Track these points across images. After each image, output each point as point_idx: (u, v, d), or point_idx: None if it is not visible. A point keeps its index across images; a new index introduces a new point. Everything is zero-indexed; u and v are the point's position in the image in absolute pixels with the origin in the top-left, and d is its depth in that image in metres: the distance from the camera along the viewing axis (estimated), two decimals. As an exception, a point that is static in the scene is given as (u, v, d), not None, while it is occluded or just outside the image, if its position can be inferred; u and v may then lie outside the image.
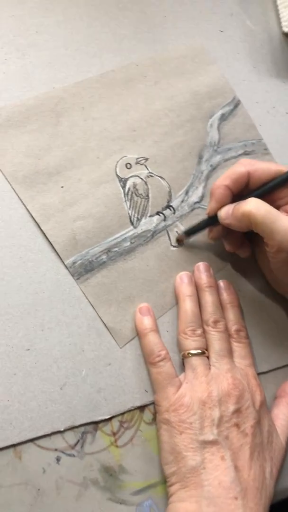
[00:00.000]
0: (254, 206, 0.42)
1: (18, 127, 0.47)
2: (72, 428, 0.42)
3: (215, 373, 0.43)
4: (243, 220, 0.43)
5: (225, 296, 0.49)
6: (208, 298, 0.47)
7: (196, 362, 0.44)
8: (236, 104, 0.57)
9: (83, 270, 0.45)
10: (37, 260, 0.44)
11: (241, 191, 0.46)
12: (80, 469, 0.41)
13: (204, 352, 0.44)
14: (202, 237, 0.50)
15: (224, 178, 0.46)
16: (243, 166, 0.45)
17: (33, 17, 0.52)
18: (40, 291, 0.44)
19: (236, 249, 0.49)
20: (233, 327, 0.47)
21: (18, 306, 0.43)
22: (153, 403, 0.45)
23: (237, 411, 0.42)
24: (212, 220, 0.47)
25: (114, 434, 0.43)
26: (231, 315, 0.48)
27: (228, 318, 0.47)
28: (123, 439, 0.43)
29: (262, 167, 0.45)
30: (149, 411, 0.44)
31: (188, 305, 0.46)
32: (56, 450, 0.41)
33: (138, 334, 0.46)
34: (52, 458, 0.41)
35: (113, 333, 0.45)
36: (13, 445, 0.40)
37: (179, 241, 0.50)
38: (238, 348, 0.46)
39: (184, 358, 0.45)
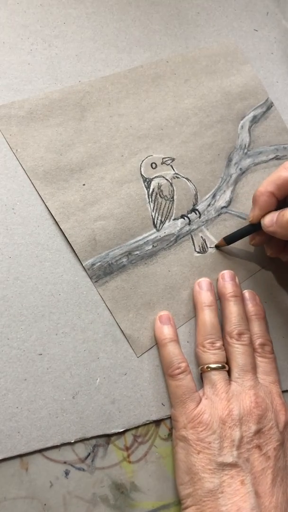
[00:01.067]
0: None
1: (41, 120, 0.45)
2: (83, 440, 0.40)
3: (237, 390, 0.41)
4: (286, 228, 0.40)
5: (250, 307, 0.46)
6: (233, 309, 0.44)
7: (215, 377, 0.41)
8: (269, 106, 0.55)
9: (102, 273, 0.43)
10: (54, 260, 0.42)
11: (286, 197, 0.43)
12: (90, 485, 0.39)
13: (224, 367, 0.42)
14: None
15: (268, 184, 0.43)
16: None
17: (61, 8, 0.50)
18: (56, 293, 0.41)
19: (279, 254, 0.47)
20: (257, 341, 0.44)
21: (32, 308, 0.41)
22: (169, 417, 0.42)
23: (259, 431, 0.39)
24: (254, 228, 0.45)
25: (127, 448, 0.41)
26: (256, 327, 0.45)
27: (252, 331, 0.45)
28: (137, 454, 0.41)
29: None
30: (165, 426, 0.42)
31: (206, 315, 0.44)
32: (65, 463, 0.39)
33: (157, 344, 0.43)
34: (60, 471, 0.38)
35: (130, 341, 0.43)
36: (20, 456, 0.38)
37: (218, 247, 0.47)
38: (263, 364, 0.44)
39: (202, 373, 0.42)
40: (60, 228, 0.43)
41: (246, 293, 0.46)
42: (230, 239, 0.47)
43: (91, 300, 0.42)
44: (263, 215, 0.43)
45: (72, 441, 0.39)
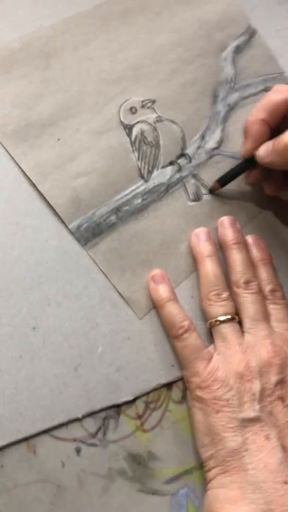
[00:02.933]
0: None
1: (2, 74, 0.41)
2: (91, 414, 0.37)
3: (251, 341, 0.38)
4: (287, 153, 0.36)
5: (255, 252, 0.42)
6: (236, 256, 0.40)
7: (226, 329, 0.38)
8: (252, 33, 0.50)
9: (90, 235, 0.39)
10: (36, 226, 0.39)
11: (280, 124, 0.39)
12: (104, 460, 0.36)
13: (234, 318, 0.39)
14: (225, 186, 0.44)
15: (259, 111, 0.39)
16: (280, 93, 0.38)
17: None
18: (43, 261, 0.38)
19: (278, 191, 0.43)
20: (267, 287, 0.41)
21: (19, 280, 0.37)
22: (181, 379, 0.39)
23: (281, 382, 0.36)
24: (249, 163, 0.41)
25: (139, 417, 0.38)
26: (264, 273, 0.42)
27: (260, 277, 0.41)
28: (151, 422, 0.38)
29: None
30: (178, 388, 0.39)
31: (208, 266, 0.40)
32: (75, 440, 0.36)
33: (155, 306, 0.40)
34: (71, 449, 0.36)
35: (130, 303, 0.39)
36: (26, 438, 0.35)
37: (212, 191, 0.43)
38: (275, 311, 0.40)
39: (211, 327, 0.39)
40: (39, 190, 0.39)
41: (249, 238, 0.43)
42: (223, 180, 0.43)
43: (82, 265, 0.39)
44: (257, 147, 0.39)
45: (80, 417, 0.36)
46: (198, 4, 0.49)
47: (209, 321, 0.39)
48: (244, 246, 0.42)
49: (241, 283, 0.39)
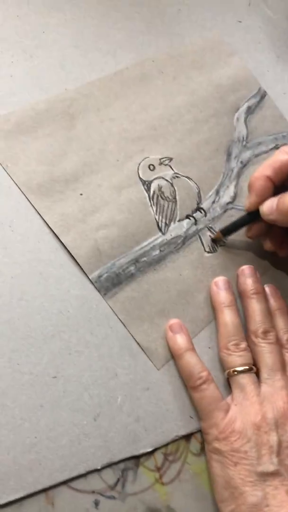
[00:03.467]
0: None
1: (29, 132, 0.43)
2: (110, 465, 0.37)
3: (268, 391, 0.38)
4: None
5: (272, 302, 0.43)
6: (256, 306, 0.41)
7: (244, 380, 0.38)
8: (262, 95, 0.53)
9: (110, 284, 0.40)
10: (58, 276, 0.40)
11: (284, 182, 0.41)
12: (123, 514, 0.36)
13: (252, 368, 0.39)
14: (239, 237, 0.45)
15: (265, 168, 0.41)
16: (286, 154, 0.40)
17: (39, 17, 0.48)
18: (64, 310, 0.39)
19: (277, 248, 0.44)
20: (285, 336, 0.42)
21: (41, 328, 0.38)
22: (200, 431, 0.39)
23: None
24: (252, 217, 0.43)
25: (158, 469, 0.38)
26: (282, 322, 0.42)
27: (278, 327, 0.42)
28: (169, 474, 0.38)
29: None
30: (196, 440, 0.39)
31: (227, 316, 0.41)
32: (93, 492, 0.36)
33: (173, 356, 0.40)
34: (89, 502, 0.35)
35: (148, 354, 0.40)
36: (44, 490, 0.35)
37: (216, 242, 0.45)
38: None
39: (229, 377, 0.39)
40: (62, 242, 0.40)
41: (267, 288, 0.44)
42: (226, 231, 0.44)
43: (102, 314, 0.40)
44: (260, 202, 0.41)
45: (99, 468, 0.36)
46: (212, 69, 0.52)
47: (227, 371, 0.39)
48: (263, 296, 0.42)
49: (260, 333, 0.40)
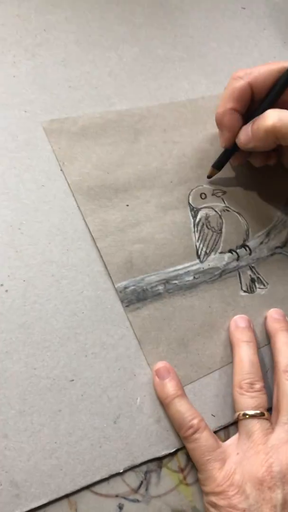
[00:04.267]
0: (275, 118, 0.37)
1: (93, 138, 0.44)
2: (132, 468, 0.36)
3: (280, 439, 0.34)
4: (268, 138, 0.38)
5: None
6: (285, 340, 0.39)
7: (253, 426, 0.35)
8: None
9: (134, 298, 0.40)
10: (71, 277, 0.39)
11: (249, 108, 0.41)
12: (148, 517, 0.35)
13: (264, 414, 0.36)
14: (280, 284, 0.44)
15: (226, 101, 0.40)
16: (241, 79, 0.39)
17: (39, 15, 0.47)
18: (78, 312, 0.38)
19: (265, 162, 0.44)
20: None
21: (56, 331, 0.37)
22: (222, 428, 0.38)
23: None
24: (233, 149, 0.43)
25: (182, 470, 0.37)
26: None
27: None
28: (193, 475, 0.37)
29: (262, 71, 0.39)
30: (219, 437, 0.38)
31: (244, 351, 0.38)
32: (117, 496, 0.35)
33: (161, 403, 0.37)
34: (113, 506, 0.35)
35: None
36: (67, 495, 0.34)
37: (210, 177, 0.45)
38: None
39: (238, 420, 0.36)
40: (97, 246, 0.40)
41: None
42: (218, 164, 0.44)
43: (117, 314, 0.39)
44: (235, 135, 0.41)
45: (121, 471, 0.35)
46: None
47: (237, 413, 0.37)
48: None
49: None
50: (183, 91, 0.49)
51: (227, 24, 0.54)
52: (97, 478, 0.35)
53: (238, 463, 0.34)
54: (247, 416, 0.36)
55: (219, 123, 0.41)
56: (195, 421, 0.35)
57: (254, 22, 0.56)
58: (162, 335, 0.39)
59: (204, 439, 0.35)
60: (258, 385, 0.37)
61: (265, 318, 0.42)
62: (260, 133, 0.37)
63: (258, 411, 0.36)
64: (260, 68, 0.39)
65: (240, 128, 0.40)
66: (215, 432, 0.38)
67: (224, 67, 0.51)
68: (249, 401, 0.36)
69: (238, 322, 0.41)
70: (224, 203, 0.45)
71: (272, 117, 0.37)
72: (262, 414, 0.36)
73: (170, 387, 0.37)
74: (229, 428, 0.39)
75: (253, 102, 0.40)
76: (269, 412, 0.37)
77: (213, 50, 0.52)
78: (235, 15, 0.55)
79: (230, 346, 0.41)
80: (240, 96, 0.39)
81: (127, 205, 0.42)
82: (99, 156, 0.43)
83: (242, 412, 0.36)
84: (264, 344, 0.42)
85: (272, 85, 0.39)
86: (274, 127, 0.37)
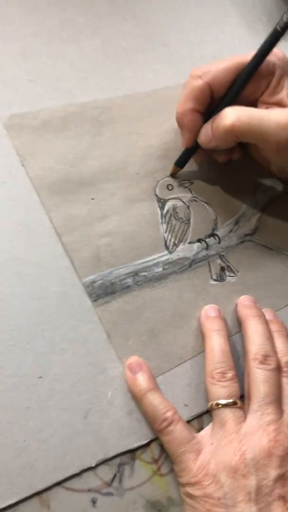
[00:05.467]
0: (233, 118, 0.37)
1: (55, 132, 0.43)
2: (105, 461, 0.36)
3: (252, 426, 0.34)
4: (228, 137, 0.38)
5: (271, 325, 0.41)
6: (257, 327, 0.39)
7: (226, 415, 0.35)
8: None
9: (102, 292, 0.39)
10: (36, 274, 0.38)
11: (209, 105, 0.41)
12: (122, 509, 0.35)
13: (236, 402, 0.35)
14: (251, 270, 0.44)
15: (186, 102, 0.40)
16: (199, 79, 0.39)
17: (-4, 9, 0.46)
18: (45, 308, 0.38)
19: (229, 157, 0.44)
20: (283, 358, 0.38)
21: (22, 329, 0.37)
22: (196, 417, 0.38)
23: (282, 477, 0.33)
24: (195, 148, 0.43)
25: (156, 461, 0.37)
26: (281, 344, 0.39)
27: (277, 349, 0.39)
28: (168, 465, 0.37)
29: (220, 69, 0.39)
30: (192, 427, 0.38)
31: (215, 341, 0.38)
32: (90, 490, 0.35)
33: (134, 397, 0.37)
34: (86, 501, 0.34)
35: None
36: (38, 493, 0.34)
37: (173, 175, 0.45)
38: None
39: (211, 410, 0.36)
40: (61, 241, 0.39)
41: (266, 313, 0.42)
42: (180, 163, 0.44)
43: (85, 309, 0.39)
44: (196, 135, 0.41)
45: (93, 465, 0.35)
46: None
47: (209, 403, 0.36)
48: (265, 320, 0.40)
49: (259, 355, 0.37)
50: (148, 81, 0.48)
51: (190, 12, 0.54)
52: (69, 473, 0.34)
53: (213, 453, 0.34)
54: (220, 406, 0.36)
55: (180, 124, 0.41)
56: (168, 414, 0.35)
57: (218, 9, 0.55)
58: (132, 328, 0.39)
59: (178, 431, 0.35)
60: (229, 374, 0.37)
61: (236, 305, 0.42)
62: (220, 132, 0.38)
63: (231, 400, 0.36)
64: (217, 65, 0.39)
65: (201, 127, 0.40)
66: (189, 421, 0.38)
67: (188, 55, 0.51)
68: (221, 391, 0.36)
69: (208, 312, 0.40)
70: (192, 193, 0.45)
71: (230, 116, 0.37)
72: (234, 403, 0.36)
73: (142, 380, 0.37)
74: (203, 417, 0.39)
75: (212, 100, 0.40)
76: (242, 400, 0.37)
77: (176, 39, 0.52)
78: (198, 2, 0.55)
79: (201, 335, 0.40)
80: (199, 96, 0.39)
81: (93, 199, 0.42)
82: (62, 150, 0.42)
83: (214, 402, 0.36)
84: (236, 331, 0.42)
85: (231, 83, 0.39)
86: (233, 126, 0.37)
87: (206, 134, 0.39)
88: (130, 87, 0.47)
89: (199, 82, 0.39)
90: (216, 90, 0.39)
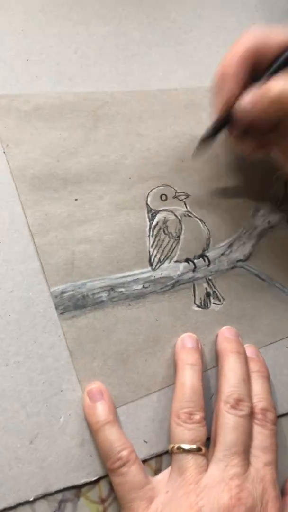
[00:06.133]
0: (282, 86, 0.31)
1: (46, 120, 0.39)
2: (45, 496, 0.32)
3: (214, 478, 0.31)
4: (271, 108, 0.31)
5: (251, 364, 0.37)
6: (234, 365, 0.35)
7: (187, 462, 0.31)
8: None
9: (71, 305, 0.35)
10: (0, 273, 0.34)
11: (256, 71, 0.34)
12: None
13: (201, 449, 0.32)
14: (236, 299, 0.40)
15: (239, 50, 0.33)
16: (253, 37, 0.33)
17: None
18: (4, 314, 0.34)
19: (255, 151, 0.37)
20: (259, 404, 0.35)
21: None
22: (153, 457, 0.34)
23: None
24: (225, 122, 0.36)
25: (103, 501, 0.33)
26: (259, 387, 0.36)
27: (253, 391, 0.35)
28: (116, 507, 0.33)
29: (280, 33, 0.33)
30: (150, 467, 0.34)
31: (187, 376, 0.34)
32: (22, 528, 0.31)
33: (89, 426, 0.33)
34: (17, 539, 0.31)
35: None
36: None
37: (195, 156, 0.39)
38: (261, 436, 0.33)
39: (172, 454, 0.32)
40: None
41: (248, 349, 0.38)
42: (207, 136, 0.37)
43: (50, 320, 0.35)
44: (238, 95, 0.33)
45: (31, 499, 0.31)
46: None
47: (171, 445, 0.32)
48: (245, 358, 0.36)
49: (232, 399, 0.33)
50: (156, 79, 0.44)
51: (214, 14, 0.50)
52: (3, 506, 0.30)
53: (166, 503, 0.30)
54: (182, 450, 0.32)
55: (221, 78, 0.34)
56: (124, 453, 0.32)
57: (244, 14, 0.51)
58: (99, 348, 0.35)
59: (132, 474, 0.31)
60: (197, 416, 0.33)
61: (217, 336, 0.38)
62: (264, 101, 0.31)
63: (194, 446, 0.32)
64: (279, 29, 0.33)
65: (239, 94, 0.34)
66: (146, 460, 0.34)
67: (205, 59, 0.47)
68: (186, 434, 0.32)
69: (185, 341, 0.37)
70: (186, 207, 0.41)
71: (279, 85, 0.31)
72: (198, 449, 0.32)
73: (101, 411, 0.33)
74: (163, 457, 0.35)
75: (261, 69, 0.34)
76: (208, 443, 0.33)
77: (195, 39, 0.48)
78: (224, 4, 0.51)
79: (174, 366, 0.36)
80: (256, 49, 0.33)
81: (76, 200, 0.38)
82: (51, 141, 0.38)
83: (176, 445, 0.32)
84: (213, 365, 0.38)
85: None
86: (280, 97, 0.31)
87: (248, 100, 0.32)
88: (136, 83, 0.43)
89: (258, 36, 0.33)
90: (269, 58, 0.34)
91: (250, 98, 0.32)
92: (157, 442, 0.35)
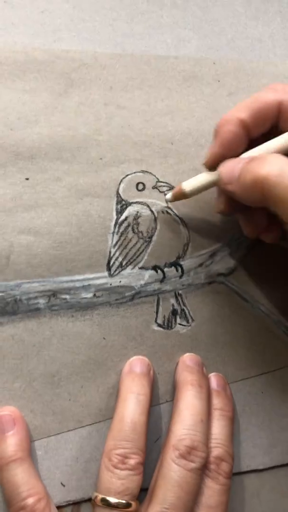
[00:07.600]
0: (274, 168, 0.24)
1: (5, 78, 0.33)
2: None
3: None
4: (254, 190, 0.25)
5: (215, 398, 0.31)
6: (192, 402, 0.29)
7: None
8: None
9: None
10: None
11: (265, 133, 0.29)
12: None
13: (130, 505, 0.27)
14: (206, 324, 0.34)
15: (240, 108, 0.28)
16: (273, 93, 0.28)
17: None
18: None
19: (260, 232, 0.31)
20: (214, 451, 0.29)
21: None
22: (74, 503, 0.29)
23: None
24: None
25: None
26: (218, 429, 0.30)
27: (211, 434, 0.30)
28: None
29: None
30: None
31: (129, 407, 0.29)
32: None
33: None
34: None
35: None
36: None
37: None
38: (210, 491, 0.28)
39: (94, 505, 0.27)
40: None
41: (214, 378, 0.32)
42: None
43: None
44: (225, 157, 0.29)
45: None
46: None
47: (95, 494, 0.27)
48: (207, 393, 0.31)
49: (183, 445, 0.28)
50: (163, 47, 0.37)
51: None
52: None
53: None
54: (106, 504, 0.26)
55: (216, 130, 0.30)
56: (29, 501, 0.27)
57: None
58: (26, 366, 0.31)
59: None
60: (133, 461, 0.27)
61: (177, 364, 0.33)
62: (247, 177, 0.26)
63: (123, 501, 0.26)
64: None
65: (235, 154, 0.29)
66: (60, 507, 0.29)
67: (229, 30, 0.39)
68: (114, 483, 0.27)
69: (134, 365, 0.31)
70: (166, 202, 0.34)
71: (271, 164, 0.25)
72: (127, 505, 0.26)
73: (9, 445, 0.28)
74: (81, 505, 0.29)
75: (275, 131, 0.29)
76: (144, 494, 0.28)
77: (220, 5, 0.39)
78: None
79: (117, 395, 0.31)
80: (260, 110, 0.28)
81: (27, 179, 0.32)
82: (7, 104, 0.33)
83: (101, 496, 0.27)
84: (166, 400, 0.32)
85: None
86: (266, 179, 0.24)
87: (231, 169, 0.28)
88: (135, 48, 0.36)
89: (269, 95, 0.28)
90: (285, 121, 0.29)
91: (230, 166, 0.28)
92: (76, 487, 0.30)
